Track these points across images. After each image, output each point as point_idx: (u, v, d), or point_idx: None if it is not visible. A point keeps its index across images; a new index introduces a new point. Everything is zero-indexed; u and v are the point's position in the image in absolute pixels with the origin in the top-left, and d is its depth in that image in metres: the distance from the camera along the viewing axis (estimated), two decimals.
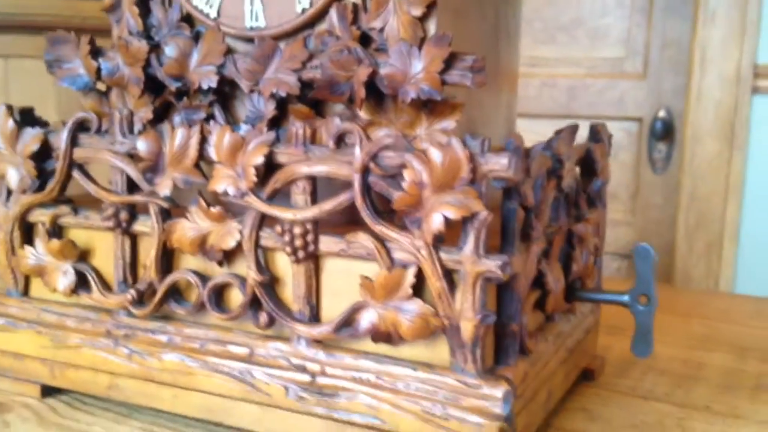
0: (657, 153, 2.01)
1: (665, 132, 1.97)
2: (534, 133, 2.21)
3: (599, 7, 2.01)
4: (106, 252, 0.54)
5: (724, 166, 1.86)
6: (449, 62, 0.44)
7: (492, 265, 0.42)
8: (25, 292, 0.57)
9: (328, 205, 0.46)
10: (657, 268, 0.51)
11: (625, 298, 0.52)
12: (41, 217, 0.55)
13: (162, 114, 0.56)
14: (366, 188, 0.45)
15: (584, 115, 2.04)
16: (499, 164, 0.42)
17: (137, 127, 0.53)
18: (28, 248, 0.55)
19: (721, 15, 1.81)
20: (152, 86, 0.54)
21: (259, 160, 0.48)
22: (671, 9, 1.92)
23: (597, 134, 0.59)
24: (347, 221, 0.48)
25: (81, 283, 0.55)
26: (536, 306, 0.49)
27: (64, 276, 0.54)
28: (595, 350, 0.62)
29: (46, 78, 0.59)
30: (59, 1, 2.31)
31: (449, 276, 0.44)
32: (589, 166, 0.57)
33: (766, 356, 0.65)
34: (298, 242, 0.47)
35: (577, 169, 0.56)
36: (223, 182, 0.49)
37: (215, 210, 0.49)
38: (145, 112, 0.54)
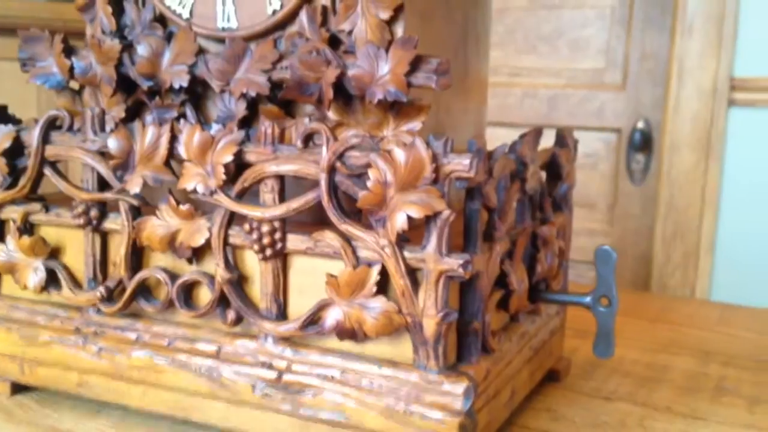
0: (635, 164, 2.03)
1: (643, 143, 1.99)
2: None
3: (580, 19, 2.04)
4: (77, 249, 0.55)
5: (701, 177, 1.89)
6: (415, 64, 0.45)
7: (454, 263, 0.43)
8: None
9: (295, 204, 0.47)
10: (616, 270, 0.53)
11: (587, 299, 0.53)
12: (12, 214, 0.56)
13: (134, 113, 0.56)
14: (332, 187, 0.46)
15: (564, 125, 2.07)
16: (461, 165, 0.43)
17: (109, 125, 0.54)
18: None
19: (698, 28, 1.84)
20: (125, 85, 0.54)
21: (229, 158, 0.49)
22: (650, 21, 1.95)
23: (563, 139, 0.60)
24: (314, 220, 0.49)
25: (51, 281, 0.55)
26: (500, 306, 0.50)
27: (34, 273, 0.55)
28: (561, 352, 0.63)
29: (26, 80, 0.59)
30: (40, 4, 2.30)
31: (413, 274, 0.44)
32: (554, 171, 0.59)
33: (728, 360, 0.66)
34: (266, 240, 0.48)
35: (543, 173, 0.57)
36: (192, 180, 0.49)
37: (185, 208, 0.50)
38: (117, 111, 0.55)
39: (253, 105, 0.52)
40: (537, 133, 0.54)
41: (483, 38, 0.64)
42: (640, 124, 1.99)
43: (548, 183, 0.58)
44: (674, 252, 1.93)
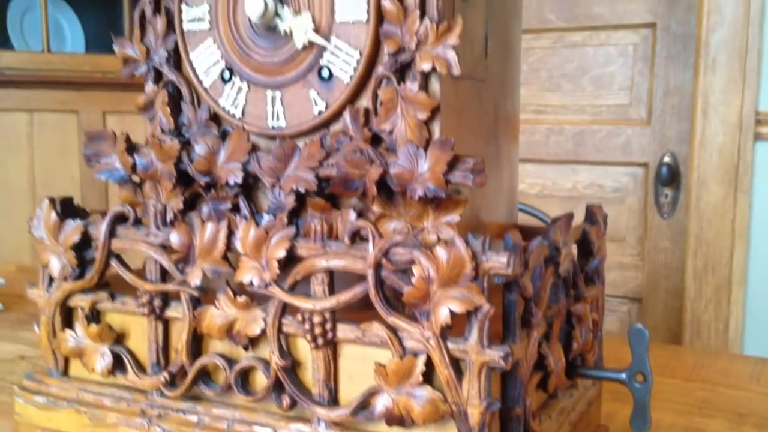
0: (663, 197, 2.04)
1: (671, 177, 2.00)
2: (542, 178, 2.26)
3: (603, 56, 2.07)
4: (140, 334, 0.59)
5: (730, 210, 1.89)
6: (452, 164, 0.49)
7: (495, 355, 0.46)
8: (65, 372, 0.62)
9: (344, 297, 0.51)
10: (649, 346, 0.55)
11: (623, 375, 0.55)
12: (81, 302, 0.60)
13: (191, 203, 0.60)
14: (379, 282, 0.50)
15: (591, 161, 2.09)
16: (499, 262, 0.46)
17: (169, 215, 0.58)
18: (68, 331, 0.60)
19: (721, 63, 1.86)
20: (183, 179, 0.58)
21: (282, 253, 0.52)
22: (672, 58, 1.97)
23: (593, 216, 0.63)
24: (362, 305, 0.52)
25: (117, 365, 0.59)
26: (539, 386, 0.53)
27: (101, 358, 0.59)
28: (599, 419, 0.65)
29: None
30: (80, 57, 2.39)
31: (456, 364, 0.48)
32: (586, 247, 0.62)
33: (762, 422, 0.68)
34: (318, 330, 0.52)
35: (575, 250, 0.60)
36: (248, 273, 0.53)
37: (241, 299, 0.54)
38: (176, 203, 0.59)
39: (301, 197, 0.56)
40: (568, 218, 0.57)
41: (513, 119, 0.67)
42: (667, 159, 2.01)
43: (580, 259, 0.61)
44: (706, 286, 1.94)
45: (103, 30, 2.48)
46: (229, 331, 0.54)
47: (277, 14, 0.54)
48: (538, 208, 1.65)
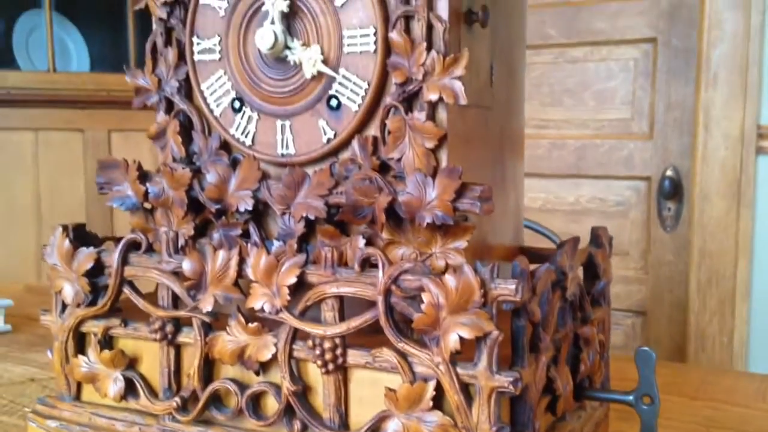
0: (666, 211, 2.05)
1: (673, 190, 2.02)
2: (544, 192, 2.27)
3: (604, 72, 2.08)
4: (152, 359, 0.60)
5: (733, 223, 1.90)
6: (460, 192, 0.50)
7: (505, 381, 0.47)
8: (77, 396, 0.63)
9: (354, 323, 0.52)
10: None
11: (630, 398, 0.56)
12: (93, 328, 0.61)
13: (202, 230, 0.61)
14: (389, 308, 0.50)
15: (593, 175, 2.10)
16: (507, 289, 0.47)
17: (180, 241, 0.59)
18: (81, 357, 0.61)
19: (722, 78, 1.87)
20: (194, 206, 0.59)
21: (292, 280, 0.53)
22: (673, 73, 1.99)
23: (598, 239, 0.64)
24: (372, 330, 0.53)
25: (129, 389, 0.60)
26: (547, 409, 0.54)
27: (114, 383, 0.60)
28: None
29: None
30: (85, 76, 2.42)
31: (466, 389, 0.48)
32: (591, 270, 0.62)
33: None
34: (328, 356, 0.52)
35: (581, 273, 0.61)
36: (259, 300, 0.54)
37: (253, 325, 0.55)
38: (187, 229, 0.60)
39: (311, 223, 0.57)
40: (575, 242, 0.58)
41: (518, 141, 0.68)
42: (669, 172, 2.02)
43: (586, 282, 0.62)
44: (710, 299, 1.94)
45: (108, 49, 2.51)
46: (240, 357, 0.55)
47: (286, 46, 0.55)
48: (541, 222, 1.66)
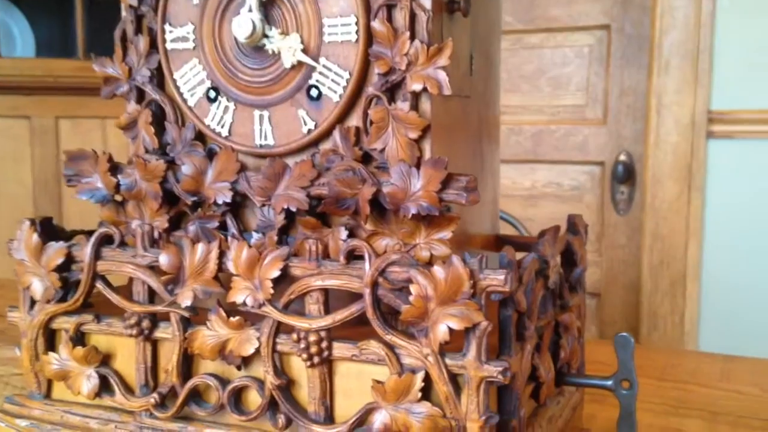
0: (620, 195, 2.09)
1: (626, 175, 2.06)
2: (502, 177, 2.29)
3: (559, 58, 2.11)
4: (127, 355, 0.58)
5: (684, 207, 1.95)
6: (446, 183, 0.50)
7: (494, 370, 0.47)
8: (48, 394, 0.61)
9: (340, 315, 0.51)
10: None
11: (609, 383, 0.57)
12: (64, 324, 0.59)
13: (176, 222, 0.60)
14: (376, 301, 0.50)
15: (549, 160, 2.13)
16: (497, 280, 0.47)
17: (155, 233, 0.58)
18: (52, 354, 0.59)
19: (674, 64, 1.91)
20: (167, 198, 0.58)
21: (275, 273, 0.52)
22: (627, 59, 2.02)
23: (575, 227, 0.65)
24: (358, 321, 0.53)
25: (104, 386, 0.58)
26: (531, 396, 0.54)
27: (87, 380, 0.58)
28: (582, 424, 0.67)
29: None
30: (31, 62, 2.34)
31: (455, 380, 0.48)
32: (569, 257, 0.63)
33: (736, 420, 0.71)
34: (314, 349, 0.52)
35: (559, 261, 0.62)
36: (241, 294, 0.53)
37: (234, 319, 0.53)
38: (161, 222, 0.59)
39: (291, 214, 0.56)
40: (556, 230, 0.58)
41: (494, 129, 0.68)
42: (623, 157, 2.06)
43: (563, 269, 0.63)
44: (662, 280, 1.99)
45: (55, 34, 2.43)
46: (221, 352, 0.54)
47: (265, 35, 0.54)
48: (500, 207, 1.68)
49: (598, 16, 2.05)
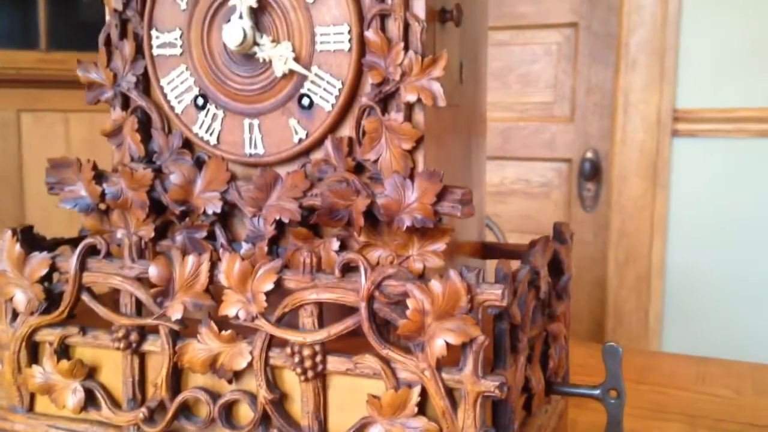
0: (586, 192, 2.12)
1: (593, 172, 2.08)
2: None
3: (528, 55, 2.12)
4: (113, 368, 0.57)
5: (649, 204, 1.98)
6: (441, 195, 0.50)
7: (491, 385, 0.47)
8: (31, 408, 0.59)
9: (335, 330, 0.51)
10: (622, 361, 0.58)
11: (597, 392, 0.57)
12: (48, 336, 0.57)
13: (162, 231, 0.59)
14: (372, 315, 0.50)
15: (518, 156, 2.15)
16: (494, 295, 0.47)
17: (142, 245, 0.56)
18: (35, 367, 0.57)
19: (641, 63, 1.93)
20: (154, 207, 0.57)
21: (269, 286, 0.52)
22: (594, 57, 2.04)
23: (561, 235, 0.65)
24: (351, 332, 0.52)
25: (89, 400, 0.57)
26: (523, 407, 0.55)
27: (73, 394, 0.57)
28: (566, 430, 0.67)
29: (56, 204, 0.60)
30: None
31: (451, 394, 0.48)
32: (557, 266, 0.63)
33: (714, 424, 0.72)
34: (308, 363, 0.51)
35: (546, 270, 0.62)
36: (233, 307, 0.52)
37: (226, 333, 0.53)
38: (147, 232, 0.58)
39: (281, 225, 0.55)
40: (545, 241, 0.58)
41: (482, 136, 0.68)
42: (589, 155, 2.08)
43: (551, 277, 0.63)
44: (627, 276, 2.02)
45: (16, 25, 2.36)
46: (212, 365, 0.53)
47: (255, 43, 0.53)
48: None
49: (567, 14, 2.07)
